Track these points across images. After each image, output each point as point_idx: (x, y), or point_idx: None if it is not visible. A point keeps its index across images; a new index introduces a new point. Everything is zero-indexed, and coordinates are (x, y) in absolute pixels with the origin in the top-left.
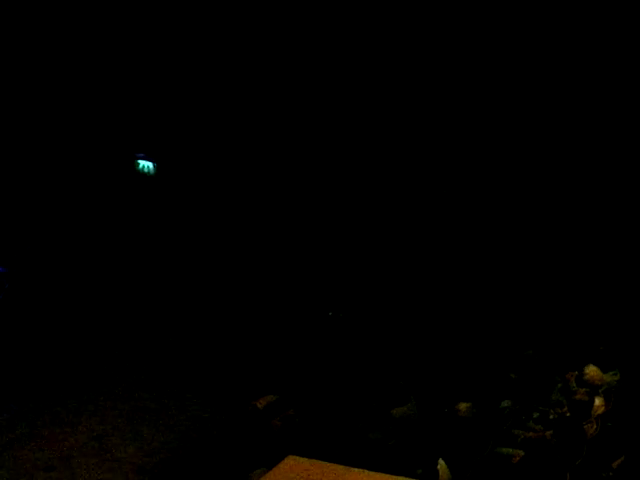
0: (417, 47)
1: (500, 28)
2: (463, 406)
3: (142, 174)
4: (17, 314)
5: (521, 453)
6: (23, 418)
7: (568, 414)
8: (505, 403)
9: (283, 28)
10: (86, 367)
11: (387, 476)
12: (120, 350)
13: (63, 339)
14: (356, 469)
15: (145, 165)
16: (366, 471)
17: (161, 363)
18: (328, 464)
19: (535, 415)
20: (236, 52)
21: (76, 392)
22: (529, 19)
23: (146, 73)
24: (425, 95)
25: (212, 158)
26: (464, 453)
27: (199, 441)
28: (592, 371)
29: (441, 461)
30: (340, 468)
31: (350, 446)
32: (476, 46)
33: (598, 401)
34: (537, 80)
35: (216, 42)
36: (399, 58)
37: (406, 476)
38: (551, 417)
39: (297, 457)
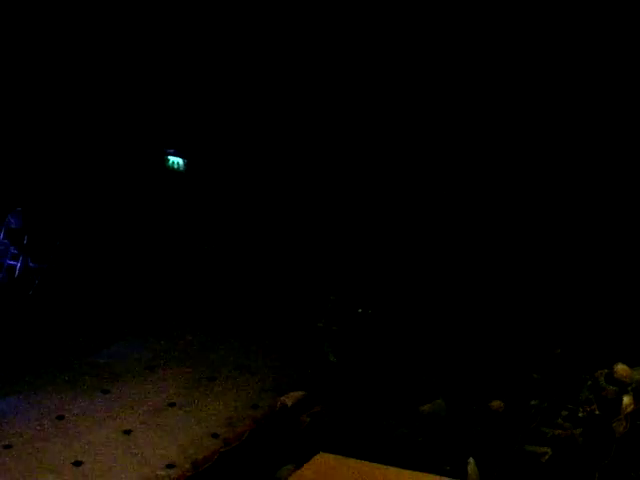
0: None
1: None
2: (495, 403)
3: (172, 170)
4: (48, 308)
5: (549, 451)
6: (50, 412)
7: (597, 412)
8: (534, 401)
9: (306, 33)
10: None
11: (417, 473)
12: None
13: (88, 336)
14: (386, 466)
15: (175, 161)
16: (397, 469)
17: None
18: (358, 461)
19: (564, 413)
20: (265, 52)
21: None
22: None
23: (177, 71)
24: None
25: (241, 154)
26: (492, 451)
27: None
28: (621, 369)
29: (470, 459)
30: (370, 465)
31: (378, 443)
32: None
33: (627, 399)
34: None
35: (247, 43)
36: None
37: (434, 473)
38: (580, 415)
39: (328, 454)
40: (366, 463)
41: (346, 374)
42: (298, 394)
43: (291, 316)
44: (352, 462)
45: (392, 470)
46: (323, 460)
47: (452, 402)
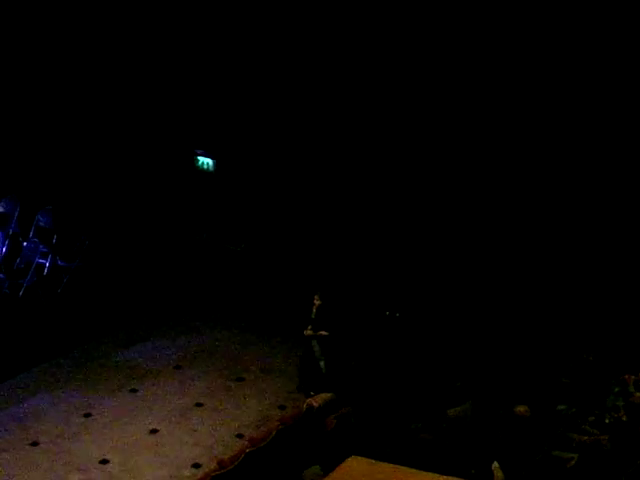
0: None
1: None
2: (521, 408)
3: (201, 170)
4: (76, 306)
5: (576, 457)
6: (78, 410)
7: (624, 418)
8: (561, 406)
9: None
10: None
11: (445, 477)
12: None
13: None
14: (418, 471)
15: (205, 161)
16: (429, 473)
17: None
18: (390, 465)
19: (591, 419)
20: (295, 54)
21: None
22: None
23: (208, 72)
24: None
25: (269, 155)
26: (518, 455)
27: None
28: None
29: (495, 463)
30: (402, 469)
31: (404, 446)
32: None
33: None
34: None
35: (276, 46)
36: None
37: (460, 477)
38: (607, 421)
39: (359, 457)
40: (397, 467)
41: (375, 376)
42: (325, 396)
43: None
44: (383, 466)
45: (424, 475)
46: (355, 463)
47: (478, 406)
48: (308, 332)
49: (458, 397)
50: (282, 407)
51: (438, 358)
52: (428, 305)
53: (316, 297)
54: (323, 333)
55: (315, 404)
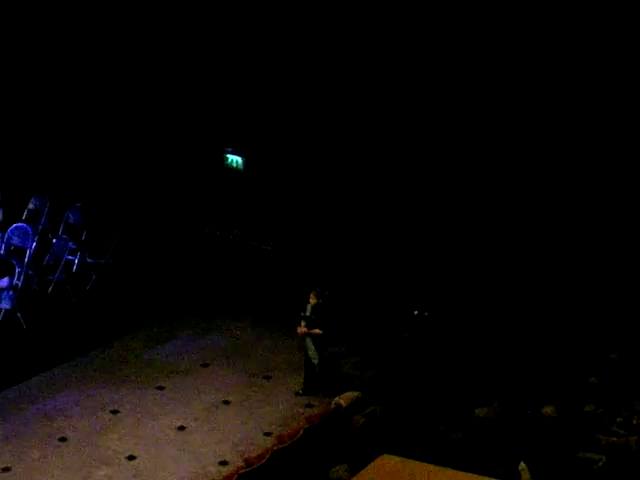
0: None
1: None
2: (548, 409)
3: (231, 168)
4: (104, 303)
5: (603, 458)
6: (106, 406)
7: None
8: (589, 407)
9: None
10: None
11: (477, 477)
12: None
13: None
14: (449, 469)
15: (234, 160)
16: (461, 472)
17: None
18: (420, 463)
19: (619, 420)
20: (322, 53)
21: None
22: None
23: (236, 71)
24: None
25: (300, 153)
26: (545, 456)
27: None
28: None
29: (522, 463)
30: (432, 467)
31: (432, 445)
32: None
33: None
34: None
35: (304, 45)
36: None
37: (487, 476)
38: (635, 422)
39: (390, 456)
40: (428, 465)
41: (403, 375)
42: (353, 394)
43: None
44: (414, 464)
45: (455, 473)
46: (386, 462)
47: (506, 406)
48: (302, 330)
49: (486, 397)
50: (309, 405)
51: (466, 358)
52: (456, 305)
53: (312, 295)
54: (317, 331)
55: (343, 403)
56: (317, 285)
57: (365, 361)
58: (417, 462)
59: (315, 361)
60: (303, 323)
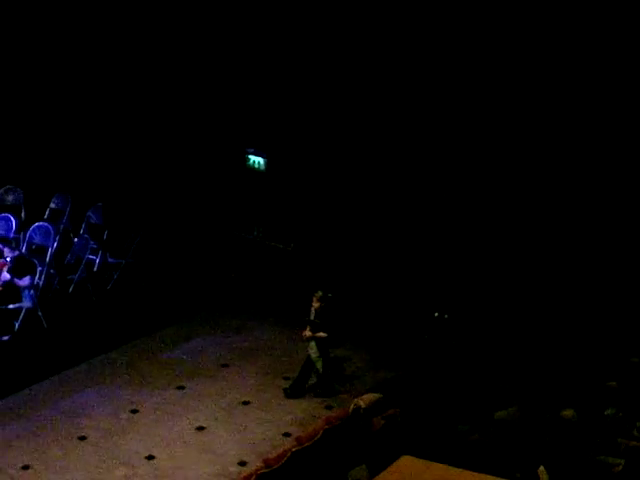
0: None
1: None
2: (568, 412)
3: (252, 169)
4: (125, 303)
5: (623, 462)
6: (126, 406)
7: None
8: (609, 411)
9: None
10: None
11: (496, 479)
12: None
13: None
14: (469, 472)
15: (256, 160)
16: (478, 474)
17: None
18: (442, 465)
19: (639, 424)
20: (344, 52)
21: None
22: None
23: (257, 71)
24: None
25: (322, 154)
26: (564, 459)
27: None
28: None
29: (542, 467)
30: (454, 470)
31: (451, 447)
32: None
33: None
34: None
35: (323, 45)
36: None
37: (506, 479)
38: None
39: (412, 457)
40: (449, 467)
41: (422, 377)
42: (373, 396)
43: (359, 315)
44: (435, 466)
45: (476, 476)
46: (407, 463)
47: (525, 409)
48: (307, 333)
49: (505, 400)
50: (329, 407)
51: (486, 360)
52: (477, 307)
53: (315, 299)
54: (322, 335)
55: (362, 404)
56: (320, 288)
57: (376, 361)
58: (438, 464)
59: (319, 364)
60: (308, 327)
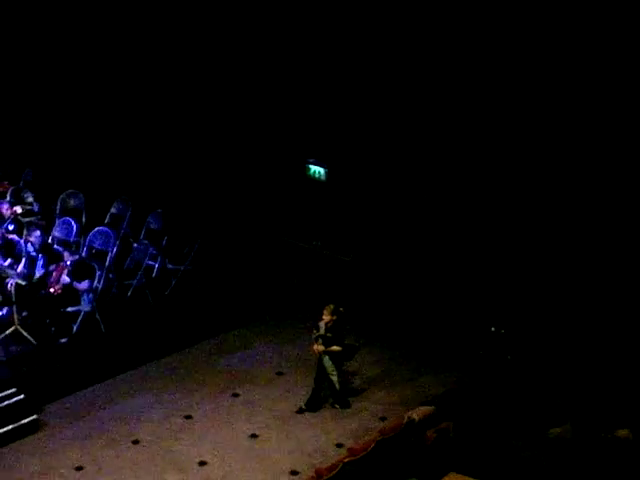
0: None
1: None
2: (623, 432)
3: (313, 179)
4: (182, 308)
5: None
6: (179, 411)
7: None
8: None
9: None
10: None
11: None
12: None
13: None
14: None
15: (316, 170)
16: None
17: None
18: None
19: None
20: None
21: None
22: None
23: (319, 83)
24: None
25: (384, 164)
26: (618, 479)
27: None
28: None
29: None
30: None
31: (503, 463)
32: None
33: None
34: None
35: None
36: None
37: None
38: None
39: (458, 475)
40: None
41: (476, 391)
42: (426, 409)
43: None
44: None
45: None
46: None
47: (581, 428)
48: (319, 348)
49: (559, 417)
50: (383, 418)
51: (541, 376)
52: (533, 322)
53: (325, 312)
54: (336, 348)
55: (416, 417)
56: (331, 302)
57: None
58: None
59: (334, 377)
60: (320, 341)
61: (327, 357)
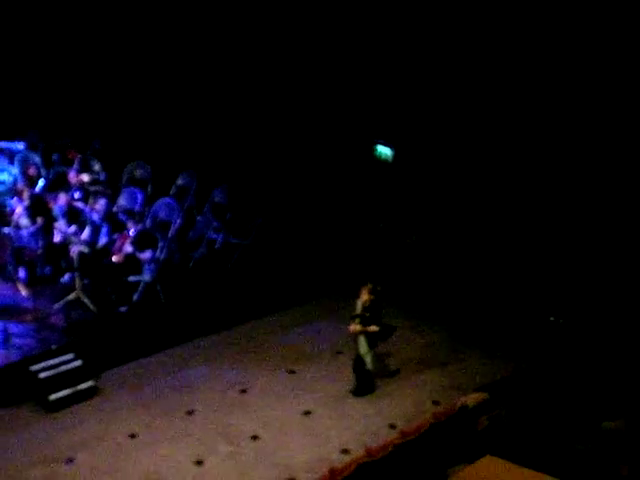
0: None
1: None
2: None
3: (379, 160)
4: (244, 282)
5: None
6: (235, 385)
7: None
8: None
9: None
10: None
11: None
12: None
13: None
14: (550, 477)
15: (383, 151)
16: None
17: None
18: (523, 468)
19: None
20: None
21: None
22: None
23: (384, 64)
24: None
25: (451, 147)
26: None
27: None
28: None
29: None
30: (534, 474)
31: (554, 453)
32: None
33: None
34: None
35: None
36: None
37: None
38: None
39: (495, 457)
40: (532, 471)
41: (532, 380)
42: (480, 396)
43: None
44: (517, 469)
45: None
46: (490, 463)
47: (634, 422)
48: (356, 327)
49: (614, 411)
50: (436, 402)
51: (597, 368)
52: (593, 314)
53: (364, 291)
54: (374, 328)
55: (469, 403)
56: (370, 281)
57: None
58: (520, 467)
59: (368, 358)
60: (357, 321)
61: (362, 337)
